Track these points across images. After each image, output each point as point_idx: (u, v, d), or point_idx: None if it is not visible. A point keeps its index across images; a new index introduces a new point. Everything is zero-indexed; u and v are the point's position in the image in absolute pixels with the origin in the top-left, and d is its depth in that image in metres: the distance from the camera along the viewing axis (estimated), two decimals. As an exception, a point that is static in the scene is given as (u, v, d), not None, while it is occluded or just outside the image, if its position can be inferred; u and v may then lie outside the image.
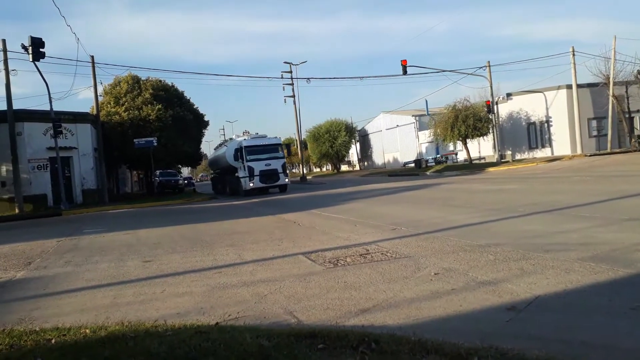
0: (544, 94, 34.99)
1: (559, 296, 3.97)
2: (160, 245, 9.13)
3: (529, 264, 5.05)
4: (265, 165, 25.18)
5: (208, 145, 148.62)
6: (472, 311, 3.85)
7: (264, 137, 27.08)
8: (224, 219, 13.67)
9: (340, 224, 9.97)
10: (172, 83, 32.86)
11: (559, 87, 34.03)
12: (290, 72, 41.67)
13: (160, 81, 31.80)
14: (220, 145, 34.89)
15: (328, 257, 6.47)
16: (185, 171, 79.67)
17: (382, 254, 6.38)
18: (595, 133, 32.11)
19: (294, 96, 42.53)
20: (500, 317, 3.62)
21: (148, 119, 28.72)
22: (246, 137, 27.07)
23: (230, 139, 30.52)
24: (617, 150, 30.89)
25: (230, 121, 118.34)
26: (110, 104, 29.89)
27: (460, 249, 6.25)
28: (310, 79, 33.91)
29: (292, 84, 42.01)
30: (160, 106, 29.13)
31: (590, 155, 29.50)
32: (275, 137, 27.42)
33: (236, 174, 26.63)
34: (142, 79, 31.47)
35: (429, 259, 5.84)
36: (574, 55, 32.22)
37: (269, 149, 25.97)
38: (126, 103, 29.38)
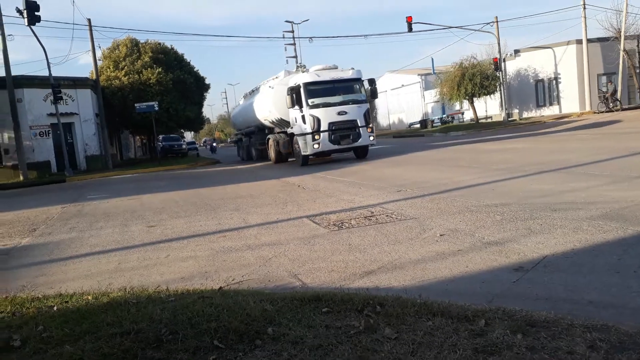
0: (553, 50, 34.17)
1: (567, 256, 3.90)
2: (164, 210, 9.12)
3: (536, 224, 4.97)
4: (339, 114, 15.77)
5: (210, 110, 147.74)
6: (479, 272, 3.80)
7: (335, 68, 17.05)
8: (228, 183, 13.63)
9: (345, 187, 9.89)
10: (171, 46, 32.36)
11: (568, 43, 33.18)
12: (292, 31, 40.80)
13: (159, 44, 31.25)
14: (253, 91, 23.41)
15: (332, 219, 6.42)
16: (189, 136, 79.44)
17: (386, 215, 6.32)
18: (604, 89, 31.44)
19: (296, 57, 41.75)
20: (508, 278, 3.57)
21: (148, 83, 28.38)
22: (302, 71, 17.60)
23: (275, 78, 19.86)
24: (627, 107, 30.34)
25: (232, 84, 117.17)
26: (109, 68, 29.50)
27: (467, 209, 6.18)
28: (313, 38, 33.09)
29: (294, 44, 41.19)
30: (160, 69, 28.73)
31: (599, 112, 29.02)
32: (352, 69, 16.70)
33: (287, 131, 17.74)
34: (141, 42, 30.94)
35: (434, 220, 5.77)
36: (584, 8, 31.22)
37: (344, 87, 16.41)
38: (126, 67, 28.98)
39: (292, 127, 17.02)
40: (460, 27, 36.18)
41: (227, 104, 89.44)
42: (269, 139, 20.16)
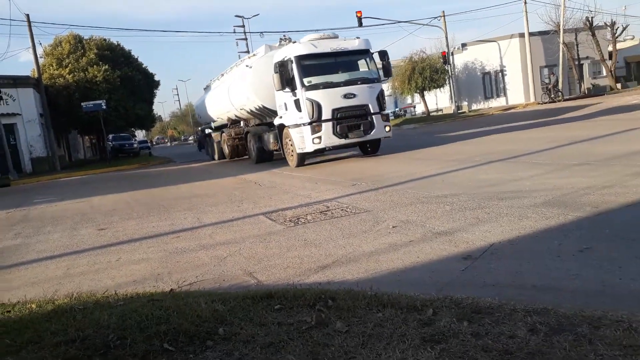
0: (498, 43, 35.36)
1: (512, 243, 4.06)
2: (115, 212, 8.85)
3: (484, 213, 5.15)
4: (345, 97, 11.92)
5: (162, 107, 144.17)
6: (429, 262, 3.90)
7: (334, 37, 12.96)
8: (182, 182, 13.38)
9: (301, 182, 9.91)
10: (117, 42, 31.32)
11: (511, 36, 34.43)
12: (243, 26, 40.38)
13: (104, 40, 30.17)
14: (222, 75, 19.66)
15: (289, 215, 6.42)
16: (140, 134, 77.33)
17: (342, 209, 6.37)
18: (547, 81, 32.85)
19: (248, 52, 41.30)
20: (456, 267, 3.68)
21: (95, 81, 27.38)
22: (292, 43, 13.10)
23: (252, 55, 15.86)
24: (568, 97, 31.80)
25: (183, 80, 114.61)
26: (52, 66, 28.24)
27: (418, 200, 6.32)
28: (264, 33, 32.71)
29: (246, 39, 40.72)
30: (106, 67, 27.76)
31: (543, 103, 30.28)
32: (358, 39, 12.75)
33: (273, 122, 13.84)
34: (85, 38, 29.77)
35: (387, 212, 5.87)
36: (525, 3, 32.46)
37: (349, 62, 12.62)
38: (70, 65, 27.82)
39: (281, 117, 12.99)
40: (410, 22, 37.07)
41: (179, 100, 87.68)
42: (247, 133, 16.65)
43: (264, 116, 15.24)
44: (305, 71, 11.93)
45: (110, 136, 35.83)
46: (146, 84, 31.97)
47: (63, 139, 35.03)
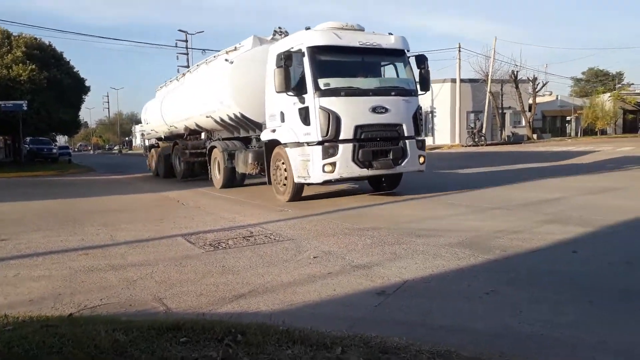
0: (432, 86, 37.21)
1: (425, 281, 4.18)
2: (22, 221, 8.21)
3: (401, 248, 5.29)
4: (374, 111, 8.75)
5: (89, 113, 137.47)
6: (345, 296, 3.92)
7: (360, 29, 9.57)
8: (100, 194, 12.70)
9: (228, 205, 9.72)
10: (49, 42, 29.71)
11: (444, 80, 36.42)
12: (186, 41, 39.71)
13: (35, 39, 28.46)
14: (184, 75, 16.49)
15: (209, 239, 6.24)
16: (62, 140, 73.08)
17: (265, 236, 6.30)
18: (472, 126, 34.91)
19: (188, 66, 40.61)
20: (370, 302, 3.72)
21: (19, 80, 25.61)
22: (307, 30, 9.10)
23: (234, 49, 12.03)
24: (490, 142, 33.93)
25: (115, 88, 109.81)
26: (-29, 59, 26.15)
27: (342, 232, 6.39)
28: (206, 50, 32.24)
29: (187, 54, 40.04)
30: (33, 66, 26.08)
31: (466, 146, 32.07)
32: (392, 35, 9.47)
33: (262, 136, 10.31)
34: (14, 34, 27.98)
35: (310, 241, 5.88)
36: (459, 51, 34.59)
37: (378, 64, 9.85)
38: (-8, 60, 25.90)
39: (273, 131, 9.55)
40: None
41: (108, 108, 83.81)
42: (213, 147, 12.90)
43: (238, 128, 12.02)
44: (322, 69, 8.61)
45: (28, 139, 33.53)
46: (75, 89, 30.40)
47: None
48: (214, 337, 2.69)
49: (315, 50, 8.64)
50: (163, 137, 17.57)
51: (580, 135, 42.05)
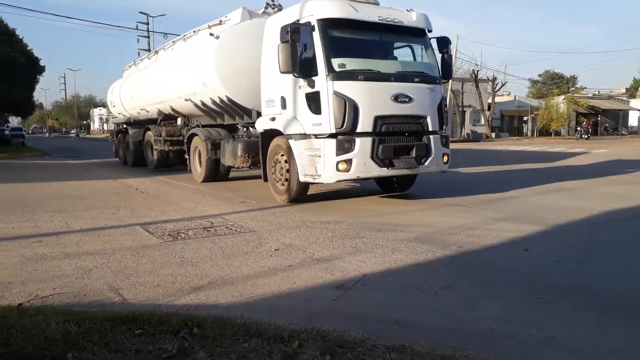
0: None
1: (383, 275, 4.25)
2: (-32, 206, 7.83)
3: (362, 242, 5.35)
4: (396, 99, 7.52)
5: (45, 94, 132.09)
6: (305, 289, 3.95)
7: (376, 3, 8.24)
8: (56, 179, 12.25)
9: (188, 194, 9.57)
10: (0, 18, 28.32)
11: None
12: (147, 23, 38.55)
13: (-16, 13, 27.09)
14: (157, 52, 15.08)
15: (169, 229, 6.14)
16: (15, 121, 70.02)
17: (226, 227, 6.25)
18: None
19: (149, 50, 39.53)
20: (329, 295, 3.76)
21: (-35, 56, 24.39)
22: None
23: (219, 22, 10.71)
24: (451, 140, 34.65)
25: (73, 69, 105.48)
26: None
27: (304, 224, 6.41)
28: (168, 34, 31.33)
29: (149, 37, 38.91)
30: (-18, 43, 24.90)
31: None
32: (412, 11, 8.15)
33: (257, 124, 8.86)
34: (-40, 7, 26.55)
35: (272, 234, 5.87)
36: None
37: (401, 45, 8.54)
38: None
39: (273, 119, 8.21)
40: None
41: (65, 90, 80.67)
42: (193, 136, 11.69)
43: (222, 114, 10.75)
44: (336, 47, 7.42)
45: (-24, 119, 31.99)
46: (29, 68, 29.19)
47: None
48: (169, 329, 2.66)
49: (328, 24, 7.37)
50: (133, 121, 16.15)
51: (537, 136, 43.48)
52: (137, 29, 38.25)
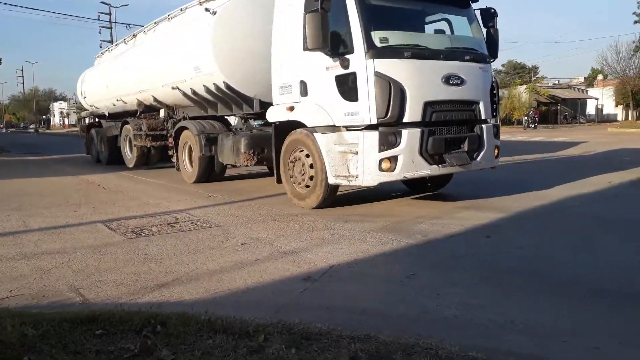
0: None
1: (350, 265, 4.28)
2: None
3: (329, 234, 5.37)
4: (447, 81, 6.23)
5: (1, 87, 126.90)
6: (272, 282, 3.94)
7: None
8: (13, 176, 11.82)
9: (152, 189, 9.39)
10: (-51, 7, 26.97)
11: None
12: (110, 14, 37.57)
13: None
14: (134, 36, 13.15)
15: (132, 226, 6.01)
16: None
17: (192, 222, 6.16)
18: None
19: (112, 41, 38.43)
20: (296, 288, 3.76)
21: None
22: None
23: None
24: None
25: (30, 62, 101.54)
26: None
27: (271, 217, 6.38)
28: (130, 25, 30.53)
29: (111, 28, 37.91)
30: None
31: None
32: None
33: (268, 115, 7.42)
34: None
35: (238, 228, 5.82)
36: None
37: (442, 17, 7.20)
38: None
39: (292, 108, 6.90)
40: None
41: (23, 83, 77.81)
42: (183, 129, 10.14)
43: (216, 104, 9.34)
44: (375, 18, 6.13)
45: None
46: (-19, 60, 27.94)
47: None
48: (132, 328, 2.61)
49: None
50: (107, 114, 14.34)
51: (500, 124, 44.43)
52: (99, 19, 37.24)
